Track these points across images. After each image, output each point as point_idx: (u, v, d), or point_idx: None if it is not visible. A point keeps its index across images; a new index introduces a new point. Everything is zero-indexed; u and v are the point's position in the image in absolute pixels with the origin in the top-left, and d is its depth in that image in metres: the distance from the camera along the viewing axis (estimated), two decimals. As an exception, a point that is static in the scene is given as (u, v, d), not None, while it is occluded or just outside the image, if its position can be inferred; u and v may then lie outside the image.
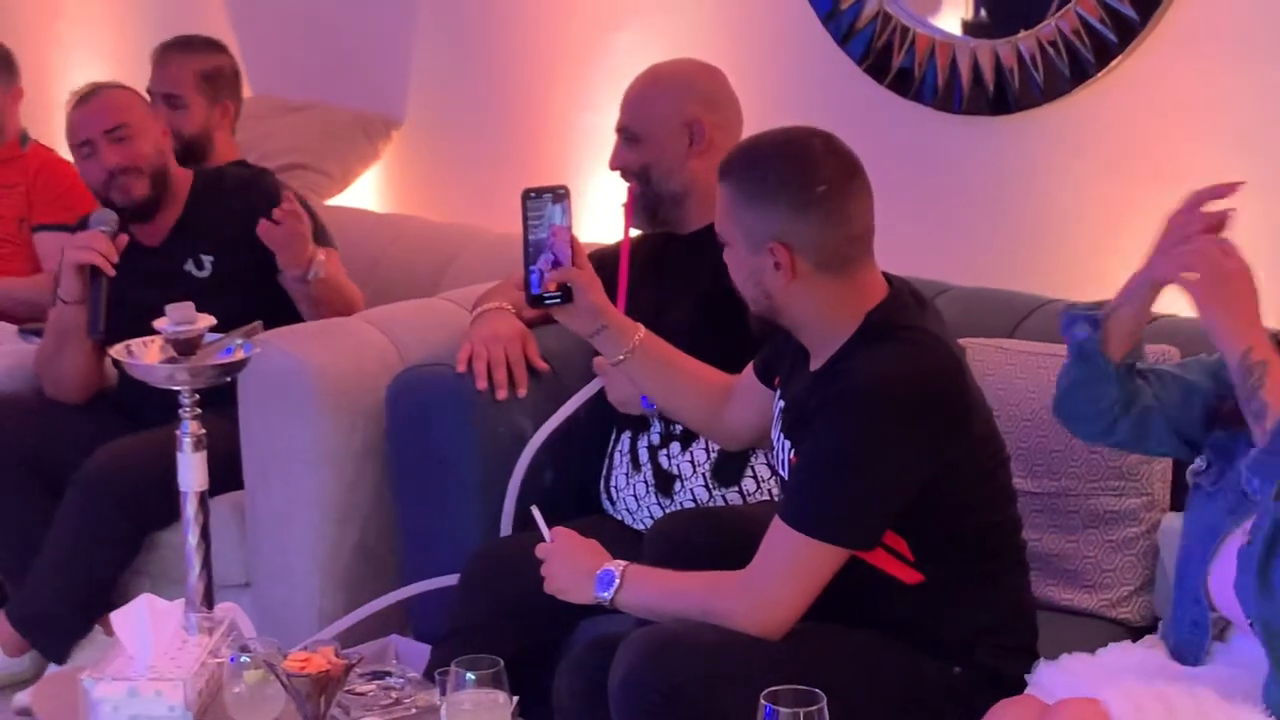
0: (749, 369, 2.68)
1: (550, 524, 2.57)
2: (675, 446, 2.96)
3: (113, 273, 3.31)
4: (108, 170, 3.51)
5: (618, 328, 2.65)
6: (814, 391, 2.39)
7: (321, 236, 3.54)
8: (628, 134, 3.06)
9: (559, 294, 2.58)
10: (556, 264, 2.57)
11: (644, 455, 2.99)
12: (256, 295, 3.41)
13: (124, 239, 3.36)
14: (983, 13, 3.41)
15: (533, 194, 2.55)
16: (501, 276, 3.39)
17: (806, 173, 2.35)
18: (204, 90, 3.95)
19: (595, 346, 2.71)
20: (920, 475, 2.32)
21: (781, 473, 2.49)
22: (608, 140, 3.11)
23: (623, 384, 2.97)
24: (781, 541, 2.35)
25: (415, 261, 3.96)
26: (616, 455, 3.04)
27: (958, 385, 2.37)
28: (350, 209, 4.30)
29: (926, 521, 2.34)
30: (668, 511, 2.91)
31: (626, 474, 3.01)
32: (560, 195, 2.56)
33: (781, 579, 2.34)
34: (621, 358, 2.66)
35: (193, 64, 3.94)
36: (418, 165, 4.41)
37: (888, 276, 2.44)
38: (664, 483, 2.96)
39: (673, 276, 3.03)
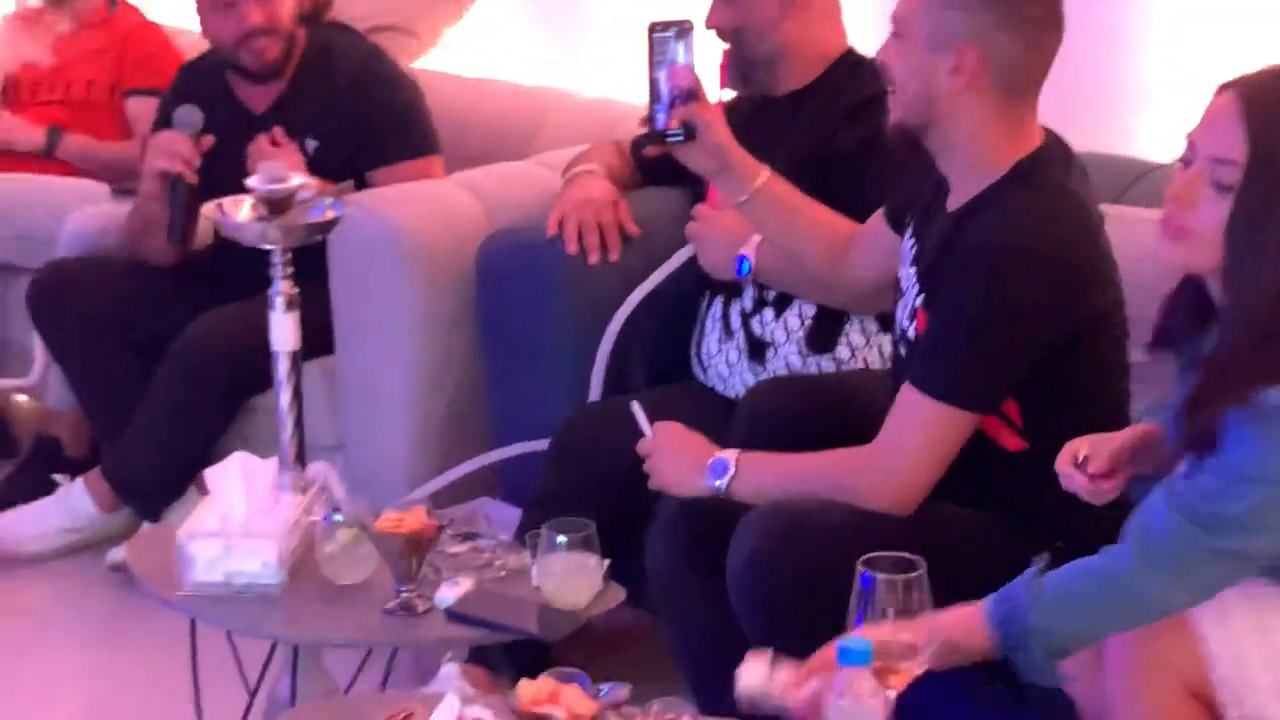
0: (877, 215, 2.62)
1: (642, 391, 2.55)
2: (768, 313, 2.93)
3: (195, 179, 3.27)
4: (246, 28, 3.43)
5: (741, 168, 2.60)
6: (949, 236, 2.34)
7: (416, 144, 3.49)
8: (724, -8, 2.99)
9: (681, 131, 2.52)
10: (679, 101, 2.51)
11: (736, 321, 2.96)
12: (353, 178, 3.41)
13: (208, 140, 3.31)
14: None
15: (658, 28, 2.49)
16: (592, 142, 3.35)
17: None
18: None
19: (718, 187, 2.66)
20: (1051, 339, 2.28)
21: (903, 319, 2.44)
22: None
23: (716, 249, 2.93)
24: (912, 409, 2.31)
25: (504, 126, 3.92)
26: (708, 321, 3.01)
27: (1092, 249, 2.32)
28: (438, 73, 4.25)
29: (1042, 387, 2.30)
30: (761, 379, 2.88)
31: (718, 340, 2.98)
32: (685, 30, 2.50)
33: (914, 448, 2.30)
34: (744, 199, 2.61)
35: None
36: (505, 25, 4.35)
37: (1044, 129, 2.38)
38: (756, 349, 2.93)
39: (766, 141, 2.96)
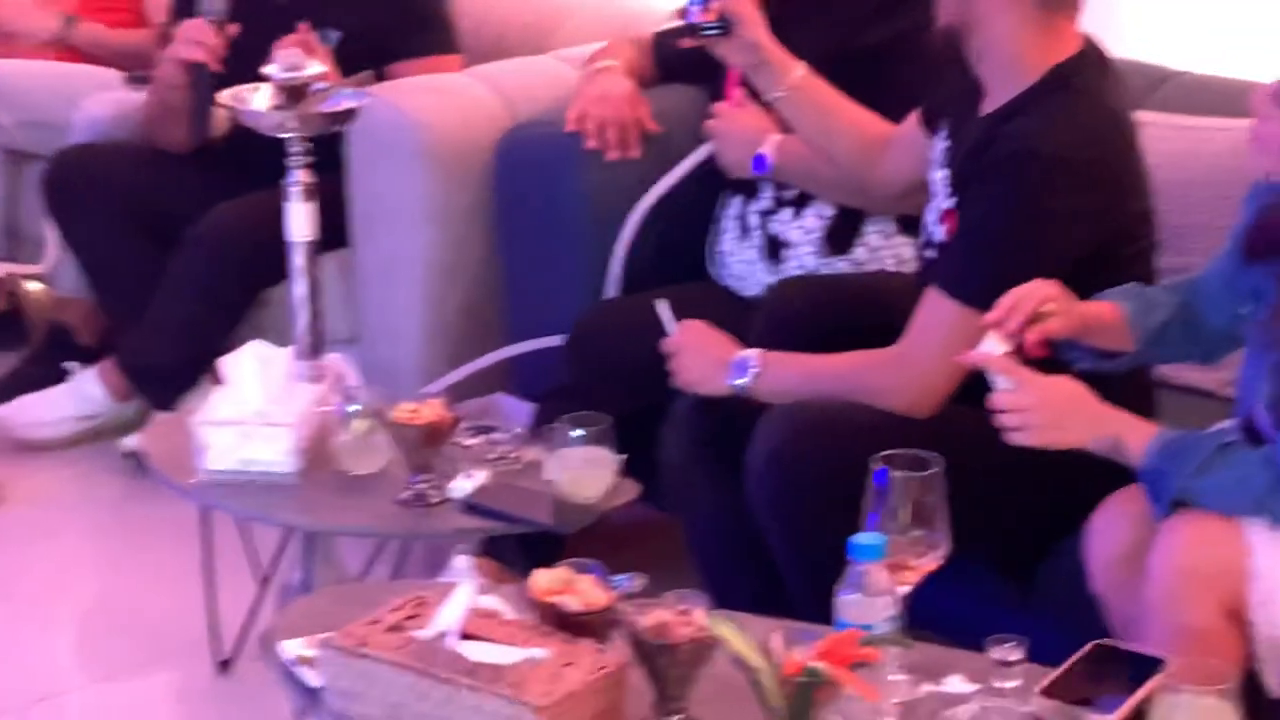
0: (912, 116, 2.60)
1: (656, 289, 2.54)
2: (786, 213, 2.91)
3: (219, 68, 3.23)
4: None
5: (777, 63, 2.58)
6: (981, 139, 2.33)
7: (437, 40, 3.44)
8: None
9: (717, 25, 2.50)
10: None
11: (754, 221, 2.94)
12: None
13: (233, 28, 3.25)
14: None
15: None
16: (610, 38, 3.32)
17: None
18: None
19: (752, 82, 2.64)
20: (1080, 245, 2.27)
21: (931, 222, 2.43)
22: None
23: (734, 147, 2.91)
24: (937, 311, 2.30)
25: (523, 22, 3.86)
26: (725, 220, 3.00)
27: (1125, 157, 2.31)
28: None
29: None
30: (779, 279, 2.86)
31: (735, 239, 2.97)
32: None
33: (937, 351, 2.29)
34: (780, 94, 2.60)
35: None
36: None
37: (1084, 35, 2.36)
38: (773, 249, 2.92)
39: (794, 36, 2.92)
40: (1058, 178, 2.23)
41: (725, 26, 2.51)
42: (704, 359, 2.49)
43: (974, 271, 2.29)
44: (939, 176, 2.44)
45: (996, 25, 2.30)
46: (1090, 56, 2.34)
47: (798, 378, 2.42)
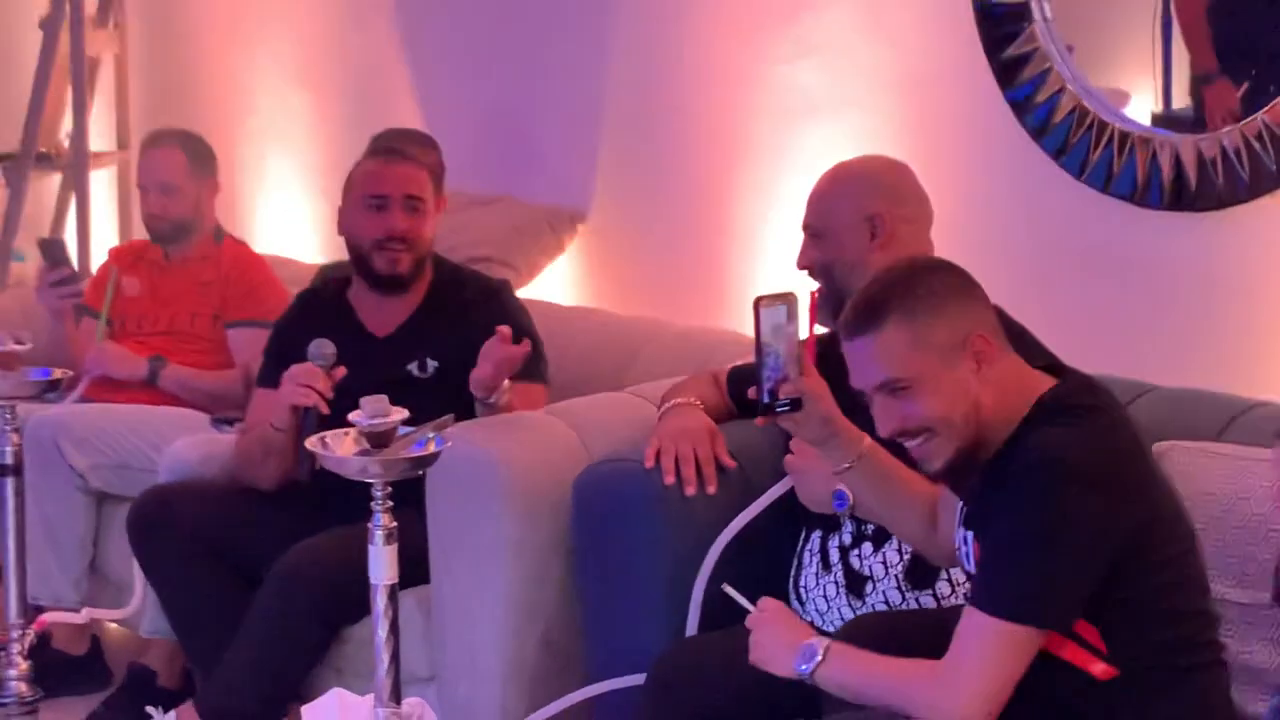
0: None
1: (738, 624, 2.53)
2: (867, 547, 2.90)
3: (327, 411, 3.28)
4: (389, 232, 3.50)
5: (846, 436, 2.63)
6: (987, 481, 2.38)
7: (535, 369, 3.50)
8: (812, 231, 3.04)
9: (789, 401, 2.56)
10: (787, 372, 2.54)
11: (835, 555, 2.94)
12: (468, 402, 3.39)
13: (340, 371, 3.33)
14: (1178, 107, 3.34)
15: (764, 301, 2.54)
16: (687, 371, 3.37)
17: (947, 266, 2.46)
18: (435, 188, 3.99)
19: (822, 455, 2.67)
20: (1107, 547, 2.28)
21: (968, 567, 2.45)
22: (795, 237, 3.08)
23: (814, 483, 2.92)
24: (974, 628, 2.31)
25: (601, 355, 3.95)
26: (806, 554, 2.99)
27: (1136, 455, 2.36)
28: (536, 301, 4.30)
29: (1115, 608, 2.31)
30: (857, 614, 2.84)
31: (816, 574, 2.96)
32: (791, 302, 2.54)
33: (976, 668, 2.29)
34: (847, 465, 2.64)
35: (429, 163, 3.98)
36: (602, 258, 4.42)
37: (1060, 368, 2.46)
38: (855, 584, 2.90)
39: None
40: (1070, 481, 2.27)
41: (796, 403, 2.56)
42: (778, 640, 2.50)
43: (1003, 585, 2.31)
44: (960, 530, 2.48)
45: (994, 395, 2.37)
46: (1073, 379, 2.43)
47: (856, 674, 2.42)
